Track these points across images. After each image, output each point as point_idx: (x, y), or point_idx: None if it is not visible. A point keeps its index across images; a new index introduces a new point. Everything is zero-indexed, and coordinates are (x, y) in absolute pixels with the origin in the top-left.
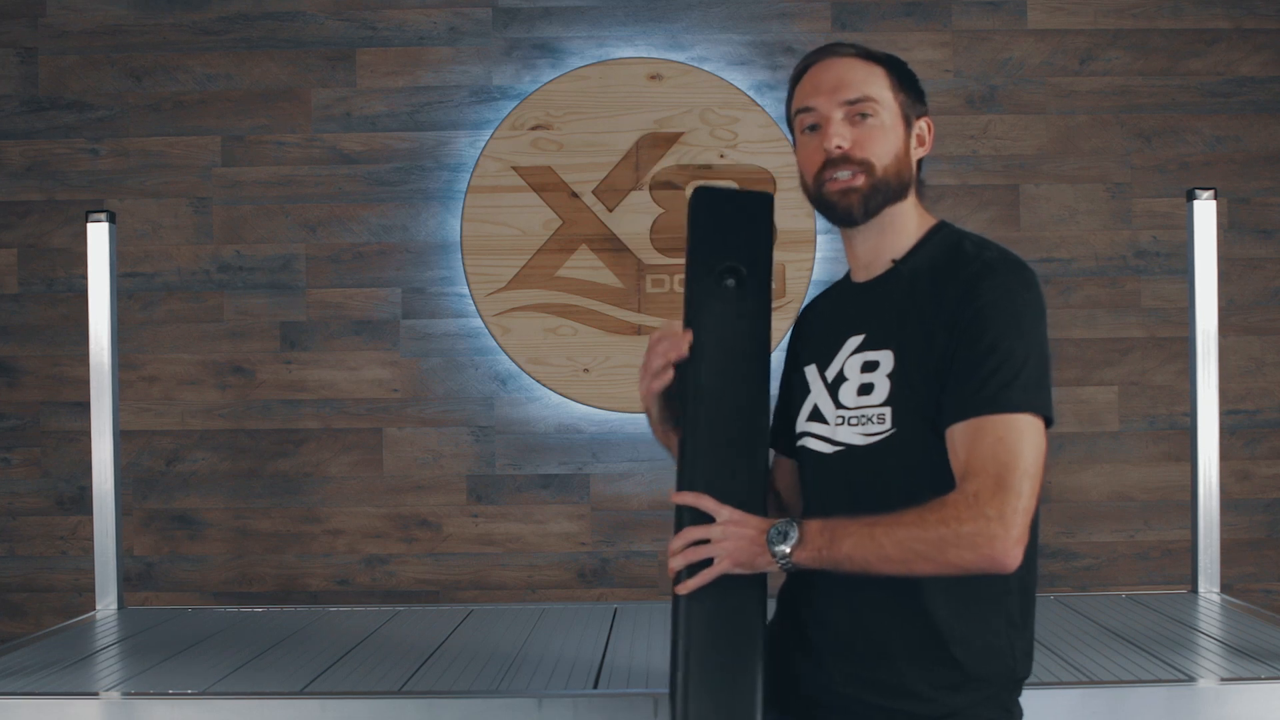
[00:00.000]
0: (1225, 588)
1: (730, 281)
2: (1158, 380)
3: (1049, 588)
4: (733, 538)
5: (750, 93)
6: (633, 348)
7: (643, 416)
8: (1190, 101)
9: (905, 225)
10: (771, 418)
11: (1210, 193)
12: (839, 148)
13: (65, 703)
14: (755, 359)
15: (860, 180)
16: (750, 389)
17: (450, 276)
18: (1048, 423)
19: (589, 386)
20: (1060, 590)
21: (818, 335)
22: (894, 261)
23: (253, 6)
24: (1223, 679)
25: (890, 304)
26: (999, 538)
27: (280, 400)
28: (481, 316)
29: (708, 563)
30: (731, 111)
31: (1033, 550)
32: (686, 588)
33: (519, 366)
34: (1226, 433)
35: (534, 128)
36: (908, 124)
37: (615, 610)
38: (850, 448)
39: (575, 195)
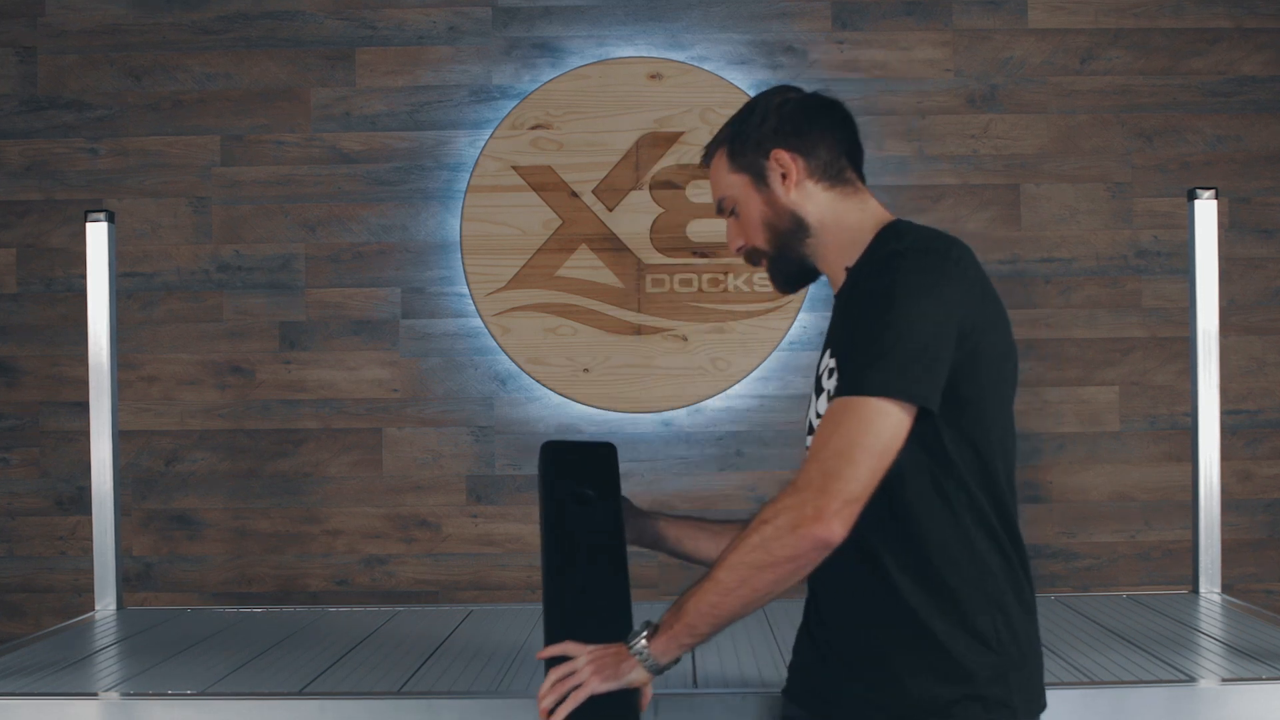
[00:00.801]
0: (1226, 588)
1: (584, 504)
2: (1159, 380)
3: (1049, 588)
4: (596, 659)
5: (750, 92)
6: (633, 348)
7: (642, 416)
8: (1191, 101)
9: (847, 236)
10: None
11: (1211, 192)
12: (738, 249)
13: (64, 703)
14: (610, 549)
15: (764, 264)
16: (608, 572)
17: (450, 276)
18: (920, 405)
19: (589, 386)
20: (1061, 590)
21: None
22: (847, 270)
23: (252, 6)
24: (1224, 679)
25: (842, 311)
26: (810, 509)
27: (279, 400)
28: (481, 316)
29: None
30: (731, 111)
31: (1000, 529)
32: (558, 713)
33: (519, 366)
34: (1228, 433)
35: (534, 127)
36: (760, 182)
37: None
38: None
39: (575, 195)
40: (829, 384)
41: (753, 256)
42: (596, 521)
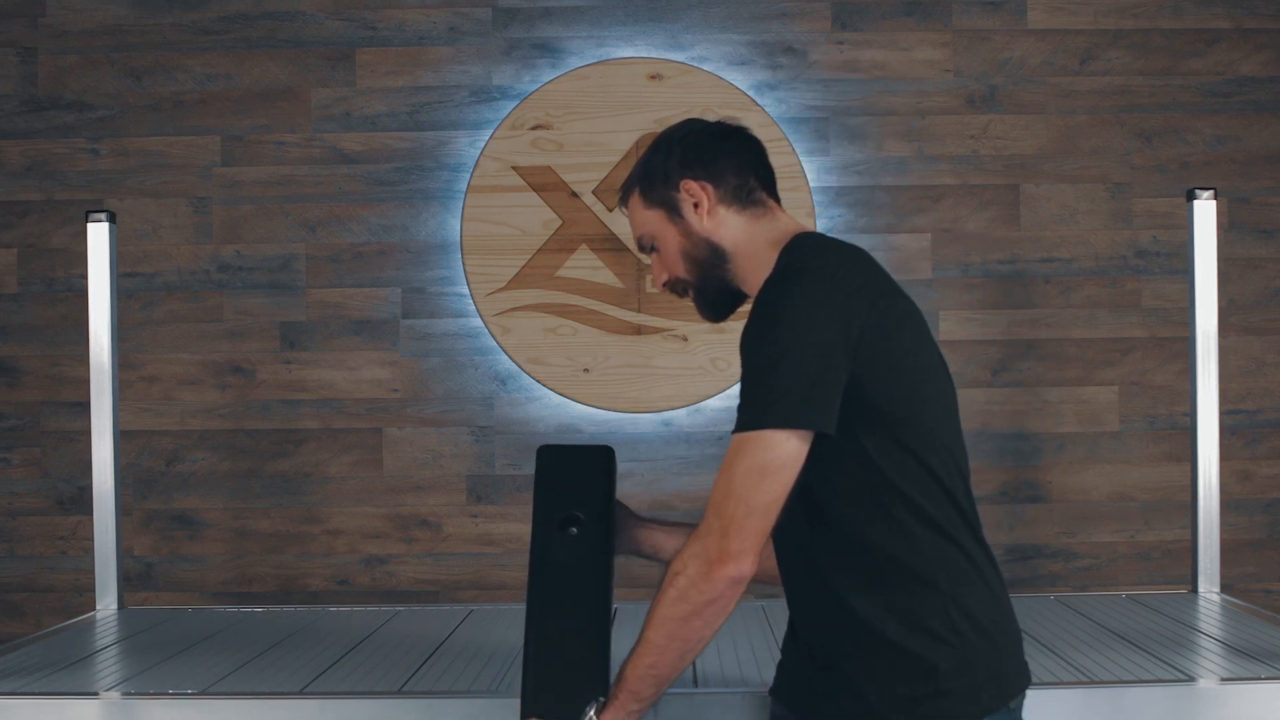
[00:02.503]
0: (1226, 588)
1: (573, 530)
2: (1158, 380)
3: (1049, 587)
4: None
5: (750, 93)
6: (633, 348)
7: (642, 416)
8: (1191, 101)
9: (763, 259)
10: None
11: (1210, 192)
12: (662, 284)
13: (65, 703)
14: (595, 597)
15: (691, 294)
16: (590, 618)
17: (450, 276)
18: (813, 430)
19: (589, 386)
20: (1060, 590)
21: None
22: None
23: (252, 6)
24: (1223, 679)
25: None
26: (715, 553)
27: (280, 400)
28: (481, 316)
29: None
30: (731, 111)
31: (951, 526)
32: None
33: (519, 366)
34: (1227, 433)
35: (534, 127)
36: (674, 214)
37: (615, 610)
38: None
39: (575, 195)
40: None
41: (678, 288)
42: (583, 556)
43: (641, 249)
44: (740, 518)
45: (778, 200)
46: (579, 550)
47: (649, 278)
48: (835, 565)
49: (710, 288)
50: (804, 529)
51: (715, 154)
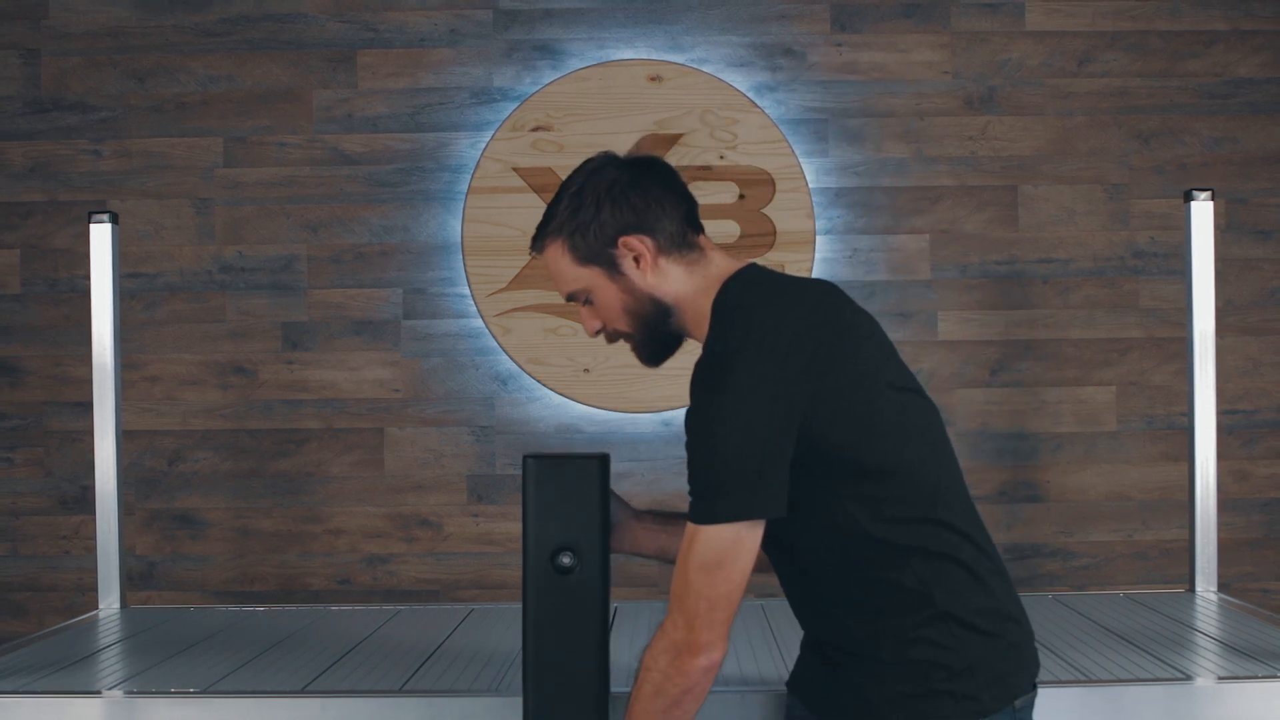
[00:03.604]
0: (1223, 587)
1: (565, 560)
2: (1156, 380)
3: (1047, 587)
4: None
5: (750, 94)
6: None
7: (642, 416)
8: (1188, 103)
9: (701, 309)
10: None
11: (1208, 194)
12: (598, 333)
13: (67, 702)
14: (592, 637)
15: (631, 344)
16: (589, 639)
17: (451, 277)
18: (765, 517)
19: (589, 386)
20: (1058, 589)
21: None
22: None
23: (254, 8)
24: (1220, 678)
25: None
26: (684, 646)
27: (281, 400)
28: (482, 317)
29: None
30: (731, 113)
31: (948, 543)
32: None
33: (519, 366)
34: (1224, 433)
35: (534, 129)
36: (613, 271)
37: (615, 609)
38: None
39: None
40: None
41: (614, 338)
42: (577, 595)
43: (569, 300)
44: (703, 612)
45: (702, 231)
46: (575, 585)
47: None
48: (827, 594)
49: (652, 340)
50: (792, 565)
51: (647, 203)
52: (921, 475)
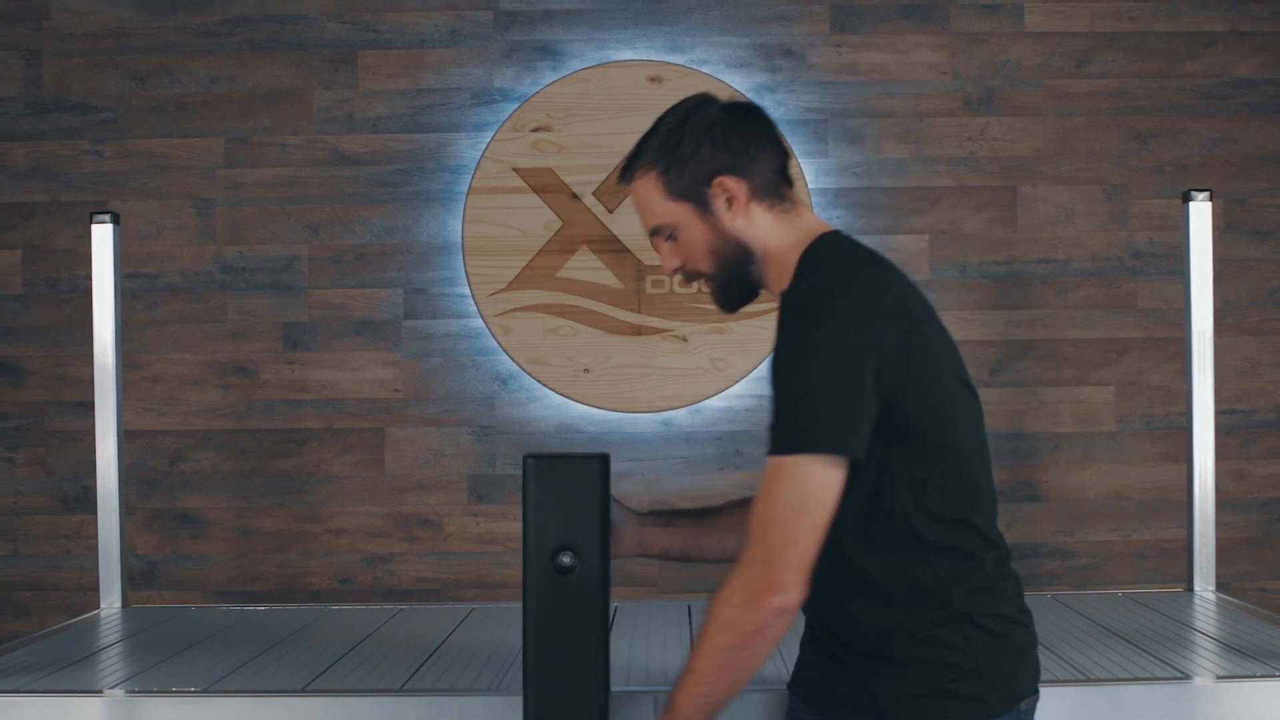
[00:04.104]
0: (1221, 586)
1: (565, 559)
2: (1154, 380)
3: (1046, 586)
4: None
5: (749, 95)
6: (633, 348)
7: (642, 416)
8: (1187, 103)
9: (785, 261)
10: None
11: (1206, 194)
12: (675, 271)
13: (69, 701)
14: (592, 637)
15: (710, 286)
16: (589, 640)
17: (451, 277)
18: (846, 456)
19: (589, 386)
20: (1057, 589)
21: None
22: (781, 294)
23: (255, 9)
24: (1218, 677)
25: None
26: (761, 583)
27: (282, 400)
28: (482, 317)
29: None
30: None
31: (972, 543)
32: None
33: (520, 366)
34: (1222, 432)
35: (535, 129)
36: (703, 209)
37: (615, 609)
38: None
39: (576, 196)
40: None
41: (692, 277)
42: (577, 594)
43: (653, 235)
44: (783, 548)
45: (792, 185)
46: (575, 585)
47: (649, 279)
48: (846, 579)
49: (731, 283)
50: (836, 551)
51: (746, 147)
52: (967, 474)
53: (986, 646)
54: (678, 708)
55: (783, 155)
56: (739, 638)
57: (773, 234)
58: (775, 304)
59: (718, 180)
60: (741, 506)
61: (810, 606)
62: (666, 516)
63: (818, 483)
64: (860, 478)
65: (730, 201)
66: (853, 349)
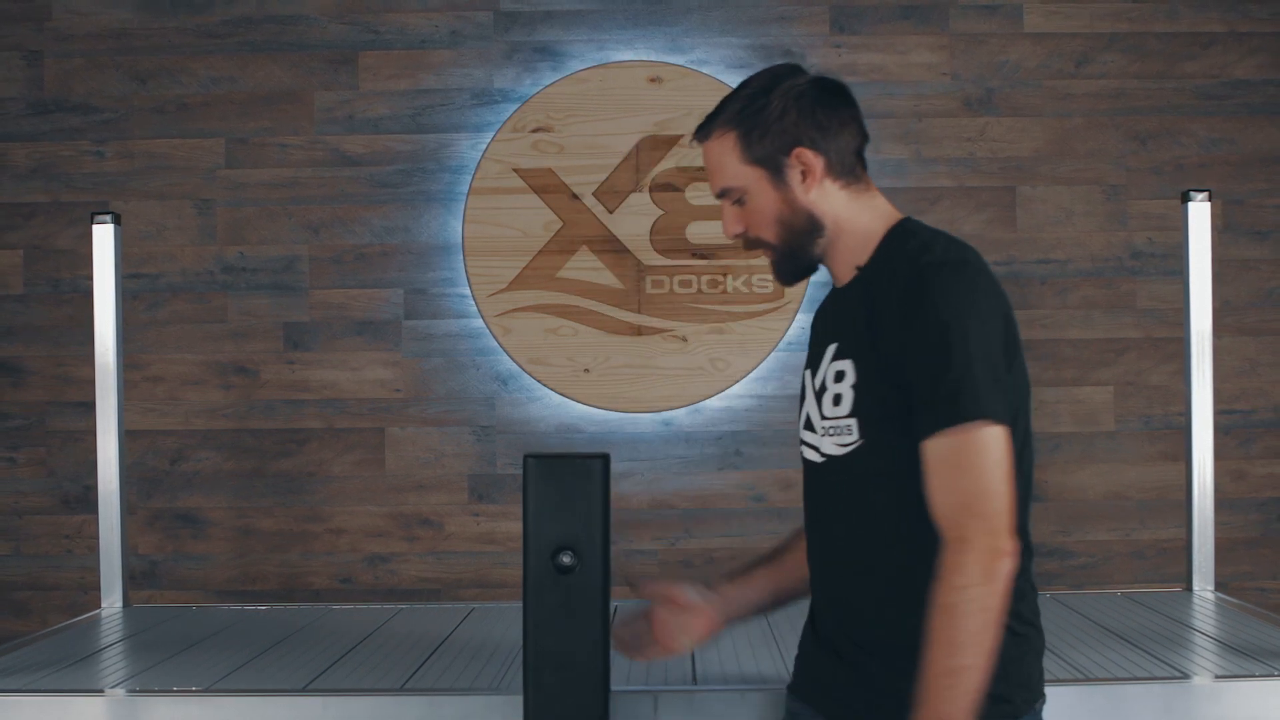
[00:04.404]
0: (1220, 586)
1: (565, 559)
2: (1153, 380)
3: (1045, 586)
4: None
5: None
6: (633, 348)
7: (642, 416)
8: (1185, 104)
9: (859, 235)
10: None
11: (1205, 194)
12: (736, 235)
13: (70, 700)
14: (592, 636)
15: (769, 255)
16: (587, 664)
17: (452, 277)
18: (1006, 420)
19: (589, 386)
20: (1057, 588)
21: (814, 339)
22: (858, 269)
23: (256, 10)
24: (1217, 676)
25: (852, 313)
26: (990, 556)
27: (283, 400)
28: (483, 317)
29: None
30: None
31: (1023, 538)
32: None
33: (520, 366)
34: (1221, 432)
35: (535, 130)
36: (777, 178)
37: (615, 609)
38: (831, 458)
39: (576, 197)
40: (839, 387)
41: (753, 245)
42: (577, 594)
43: (721, 197)
44: (1001, 514)
45: (866, 169)
46: (575, 584)
47: (649, 279)
48: (891, 584)
49: (794, 255)
50: (863, 527)
51: (830, 120)
52: (1026, 469)
53: (1010, 647)
54: (959, 709)
55: (863, 136)
56: (990, 614)
57: (845, 210)
58: (774, 305)
59: (796, 151)
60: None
61: (837, 601)
62: (742, 572)
63: (1004, 449)
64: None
65: (805, 174)
66: (994, 320)
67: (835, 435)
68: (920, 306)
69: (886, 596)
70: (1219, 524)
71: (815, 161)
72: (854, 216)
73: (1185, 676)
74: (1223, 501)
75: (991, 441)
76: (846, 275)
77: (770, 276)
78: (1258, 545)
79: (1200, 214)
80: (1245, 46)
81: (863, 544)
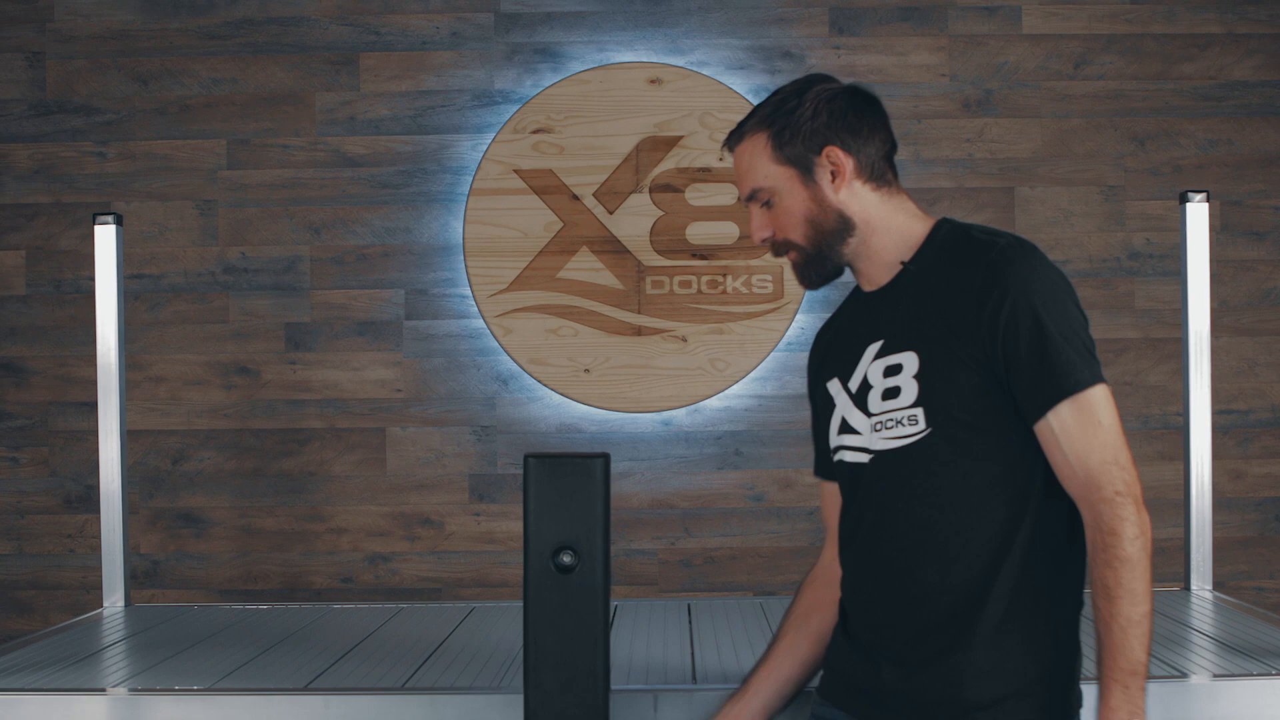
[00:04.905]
0: (1218, 585)
1: (566, 558)
2: (1151, 380)
3: None
4: None
5: (749, 96)
6: (633, 348)
7: (642, 416)
8: (1183, 105)
9: (895, 234)
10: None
11: (1203, 195)
12: (763, 240)
13: (72, 699)
14: (592, 635)
15: (794, 257)
16: (587, 659)
17: (453, 278)
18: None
19: (589, 386)
20: None
21: (837, 349)
22: (903, 264)
23: (258, 11)
24: (1215, 675)
25: (905, 305)
26: (1135, 508)
27: (285, 400)
28: (483, 317)
29: None
30: (730, 115)
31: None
32: None
33: (520, 367)
34: (1219, 432)
35: (535, 131)
36: (807, 177)
37: (615, 607)
38: (882, 454)
39: (576, 198)
40: (895, 380)
41: (780, 249)
42: (578, 593)
43: (749, 199)
44: (1132, 465)
45: (896, 175)
46: (575, 583)
47: (649, 279)
48: (982, 555)
49: (822, 256)
50: (951, 520)
51: (860, 125)
52: None
53: (1063, 654)
54: (1145, 661)
55: (892, 143)
56: (1147, 565)
57: (876, 211)
58: (774, 305)
59: (827, 149)
60: (789, 619)
61: (902, 599)
62: (746, 683)
63: (1115, 406)
64: (1029, 476)
65: (835, 174)
66: (1072, 293)
67: (891, 429)
68: (1008, 291)
69: (968, 579)
70: (1217, 524)
71: (845, 161)
72: (887, 217)
73: (1183, 675)
74: (1220, 501)
75: (1108, 400)
76: (884, 274)
77: (770, 277)
78: (1255, 545)
79: (1198, 215)
80: (1243, 48)
81: (939, 530)
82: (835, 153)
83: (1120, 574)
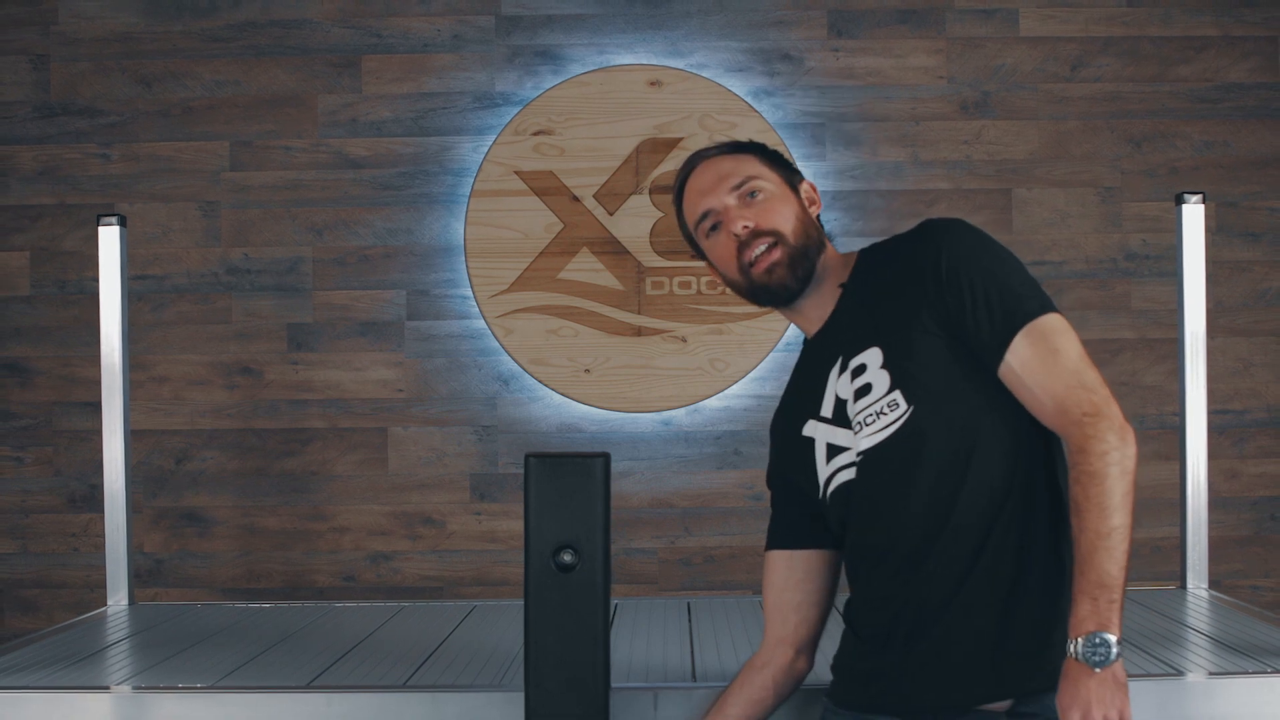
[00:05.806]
0: (1213, 584)
1: (566, 557)
2: (1147, 380)
3: None
4: (1099, 704)
5: (748, 98)
6: (633, 349)
7: (642, 416)
8: (1179, 107)
9: (836, 262)
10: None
11: (1199, 197)
12: (745, 227)
13: (77, 697)
14: (593, 633)
15: (778, 252)
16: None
17: (454, 279)
18: None
19: (590, 386)
20: None
21: (801, 396)
22: (841, 286)
23: (260, 14)
24: (1211, 673)
25: (852, 317)
26: (1117, 419)
27: (287, 400)
28: (484, 318)
29: None
30: (730, 117)
31: None
32: None
33: (521, 367)
34: (1215, 432)
35: (536, 133)
36: (795, 191)
37: (616, 606)
38: (871, 450)
39: (576, 199)
40: (864, 378)
41: (762, 240)
42: (578, 592)
43: (735, 188)
44: (1102, 384)
45: None
46: (576, 582)
47: (649, 280)
48: (991, 515)
49: (806, 254)
50: (953, 487)
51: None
52: None
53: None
54: (1116, 575)
55: None
56: (1130, 475)
57: (829, 247)
58: (767, 309)
59: (807, 184)
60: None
61: (930, 596)
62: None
63: (1073, 330)
64: (1030, 451)
65: (812, 204)
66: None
67: (875, 422)
68: (941, 249)
69: (978, 542)
70: (1212, 523)
71: (817, 197)
72: (832, 251)
73: (1179, 673)
74: (1216, 500)
75: (1064, 326)
76: (827, 306)
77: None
78: (1250, 544)
79: (1194, 216)
80: (1238, 50)
81: (943, 500)
82: (813, 191)
83: (1088, 488)
